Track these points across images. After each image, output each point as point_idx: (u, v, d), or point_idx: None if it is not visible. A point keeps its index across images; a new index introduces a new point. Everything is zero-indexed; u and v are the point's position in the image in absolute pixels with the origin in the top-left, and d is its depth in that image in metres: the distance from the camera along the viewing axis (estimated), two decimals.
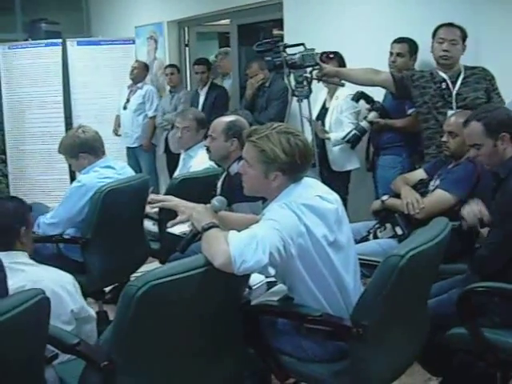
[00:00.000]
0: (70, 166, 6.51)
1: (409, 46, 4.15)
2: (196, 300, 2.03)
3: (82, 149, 3.62)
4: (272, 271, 2.11)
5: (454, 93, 3.63)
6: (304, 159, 2.30)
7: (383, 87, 4.00)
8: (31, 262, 2.58)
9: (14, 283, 2.24)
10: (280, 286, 2.49)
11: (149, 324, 1.93)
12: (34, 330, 1.82)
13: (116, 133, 6.63)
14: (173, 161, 5.38)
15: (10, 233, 2.53)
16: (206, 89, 6.10)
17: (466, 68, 3.68)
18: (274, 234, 2.09)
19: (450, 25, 3.68)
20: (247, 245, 2.03)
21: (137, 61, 6.61)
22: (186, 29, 6.95)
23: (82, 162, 3.65)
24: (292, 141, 2.27)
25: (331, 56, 4.43)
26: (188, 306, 2.02)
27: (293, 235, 2.13)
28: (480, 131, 2.67)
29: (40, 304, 1.80)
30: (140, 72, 6.49)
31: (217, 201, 2.53)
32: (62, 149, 3.73)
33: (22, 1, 7.88)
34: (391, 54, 4.18)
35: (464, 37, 3.67)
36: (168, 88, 6.53)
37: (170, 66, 6.53)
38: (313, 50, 3.96)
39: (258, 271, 2.12)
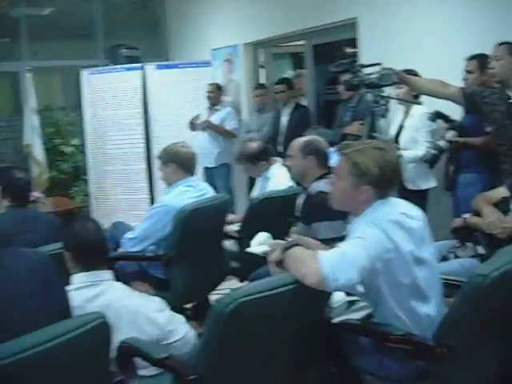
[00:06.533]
0: (150, 186, 6.82)
1: (478, 62, 4.11)
2: (281, 317, 2.06)
3: (173, 158, 3.73)
4: (360, 289, 2.13)
5: None
6: (394, 175, 2.33)
7: (451, 101, 3.95)
8: (119, 284, 2.66)
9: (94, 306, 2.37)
10: (361, 305, 2.50)
11: (236, 340, 1.97)
12: (91, 354, 1.83)
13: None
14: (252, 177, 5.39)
15: (98, 251, 2.63)
16: (288, 109, 6.17)
17: None
18: (362, 252, 2.11)
19: (502, 43, 3.63)
20: (338, 263, 2.07)
21: (210, 84, 6.71)
22: (262, 50, 7.06)
23: (169, 171, 3.75)
24: (385, 156, 2.30)
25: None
26: (274, 323, 2.05)
27: (380, 253, 2.15)
28: None
29: (98, 329, 1.82)
30: (216, 95, 6.63)
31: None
32: (160, 153, 3.85)
33: (103, 28, 8.21)
34: (465, 71, 4.17)
35: None
36: (246, 108, 6.60)
37: (260, 86, 6.65)
38: (390, 69, 3.96)
39: (348, 289, 2.14)
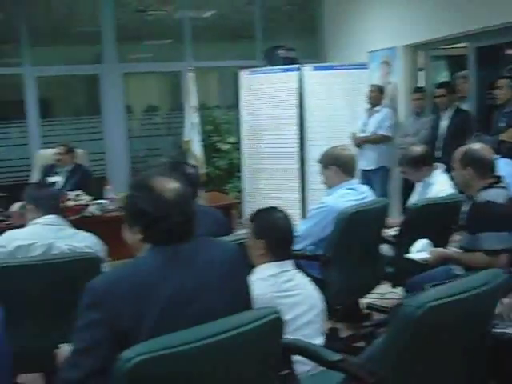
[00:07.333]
0: (302, 185, 6.91)
1: None
2: (462, 323, 2.03)
3: (333, 161, 3.78)
4: None
5: None
6: None
7: None
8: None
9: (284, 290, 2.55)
10: None
11: (422, 346, 1.94)
12: (262, 348, 1.84)
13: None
14: (408, 182, 5.26)
15: (290, 242, 2.76)
16: (448, 113, 6.03)
17: None
18: None
19: None
20: None
21: (373, 85, 6.71)
22: (421, 53, 6.92)
23: (330, 173, 3.79)
24: None
25: None
26: (455, 329, 2.02)
27: None
28: None
29: (271, 324, 1.83)
30: (377, 96, 6.61)
31: None
32: (321, 157, 3.91)
33: (261, 29, 8.42)
34: None
35: None
36: (403, 111, 6.53)
37: (419, 90, 6.57)
38: None
39: None
